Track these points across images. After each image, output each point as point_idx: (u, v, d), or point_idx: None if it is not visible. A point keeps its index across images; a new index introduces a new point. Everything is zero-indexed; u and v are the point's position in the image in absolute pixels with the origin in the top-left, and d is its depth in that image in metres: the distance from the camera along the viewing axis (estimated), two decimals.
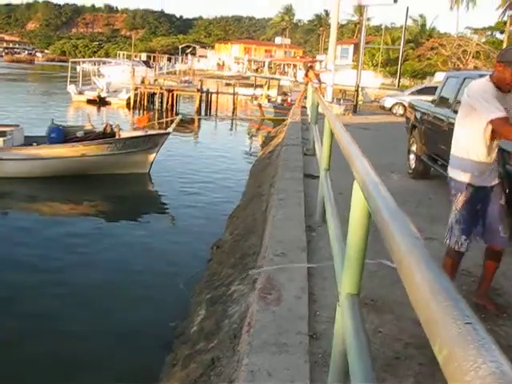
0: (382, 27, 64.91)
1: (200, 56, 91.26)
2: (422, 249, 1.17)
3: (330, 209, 4.27)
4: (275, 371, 2.78)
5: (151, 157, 14.73)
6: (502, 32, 56.89)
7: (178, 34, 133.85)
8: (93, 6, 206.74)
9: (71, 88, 35.90)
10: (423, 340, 3.05)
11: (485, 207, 3.96)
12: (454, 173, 3.93)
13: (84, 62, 43.93)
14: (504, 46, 44.21)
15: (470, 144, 3.82)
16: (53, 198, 12.79)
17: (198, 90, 34.17)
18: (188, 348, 4.47)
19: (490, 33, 63.90)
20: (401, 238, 1.30)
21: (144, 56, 73.90)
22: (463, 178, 3.86)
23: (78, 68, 38.98)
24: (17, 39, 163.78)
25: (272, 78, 38.39)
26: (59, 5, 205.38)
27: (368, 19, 34.82)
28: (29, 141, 14.62)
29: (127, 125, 23.01)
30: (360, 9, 49.85)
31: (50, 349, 5.97)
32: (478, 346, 0.77)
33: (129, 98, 34.61)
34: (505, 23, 53.84)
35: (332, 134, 5.24)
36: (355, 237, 2.26)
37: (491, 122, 3.61)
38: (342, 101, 24.70)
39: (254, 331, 3.24)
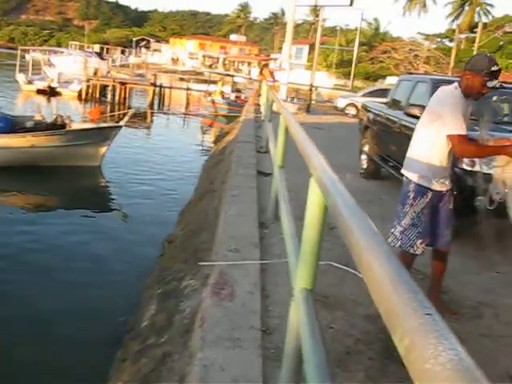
0: (337, 29, 65.75)
1: (154, 50, 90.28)
2: (382, 243, 1.21)
3: (283, 206, 4.31)
4: (228, 366, 2.79)
5: (102, 150, 14.49)
6: (451, 40, 58.55)
7: (133, 27, 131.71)
8: None
9: (20, 77, 34.91)
10: (372, 336, 3.15)
11: (437, 211, 4.06)
12: (415, 176, 3.98)
13: (34, 50, 42.77)
14: (453, 53, 45.49)
15: (435, 150, 3.89)
16: (0, 189, 12.44)
17: (152, 84, 33.83)
18: (139, 343, 4.44)
19: (439, 39, 65.69)
20: (360, 233, 1.33)
21: (97, 47, 72.49)
22: (425, 182, 3.94)
23: (28, 56, 37.90)
24: None
25: (226, 75, 38.35)
26: None
27: (323, 20, 35.23)
28: None
29: (78, 117, 22.56)
30: (315, 9, 50.31)
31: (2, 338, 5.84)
32: (437, 336, 0.80)
33: (80, 90, 33.92)
34: (453, 31, 55.40)
35: (287, 132, 5.29)
36: (311, 232, 2.29)
37: (451, 136, 3.73)
38: (295, 100, 24.89)
39: (207, 326, 3.25)
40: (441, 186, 3.99)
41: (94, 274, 7.91)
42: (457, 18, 67.37)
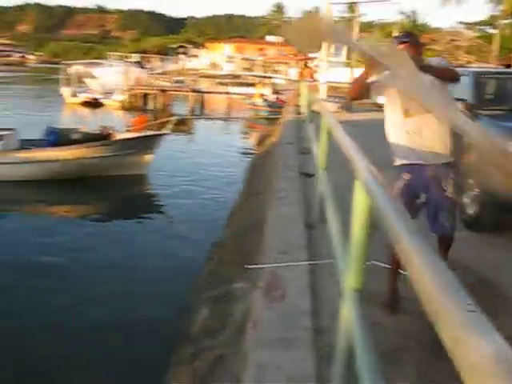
0: (375, 23, 65.09)
1: (192, 56, 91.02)
2: (427, 246, 1.28)
3: (329, 207, 4.37)
4: (282, 366, 2.88)
5: (148, 158, 14.79)
6: (494, 27, 57.06)
7: (170, 34, 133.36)
8: (84, 7, 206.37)
9: (64, 90, 35.83)
10: (420, 332, 3.16)
11: (428, 193, 3.85)
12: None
13: (76, 63, 43.67)
14: (496, 40, 44.43)
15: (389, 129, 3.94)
16: (50, 201, 12.84)
17: (192, 90, 34.25)
18: (192, 347, 4.56)
19: (481, 27, 64.12)
20: (406, 236, 1.40)
21: (136, 57, 73.57)
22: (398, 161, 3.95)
23: (70, 70, 38.77)
24: (8, 42, 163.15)
25: (265, 77, 38.43)
26: (50, 6, 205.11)
27: (360, 15, 34.96)
28: (25, 144, 14.63)
29: (122, 126, 23.02)
30: (352, 5, 49.96)
31: (53, 346, 6.07)
32: (480, 331, 0.88)
33: (123, 100, 34.55)
34: (496, 18, 54.01)
35: (328, 133, 5.34)
36: (358, 234, 2.35)
37: None
38: (335, 98, 24.78)
39: (259, 328, 3.34)
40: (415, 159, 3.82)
41: (146, 281, 8.10)
42: (499, 2, 65.59)
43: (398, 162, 3.92)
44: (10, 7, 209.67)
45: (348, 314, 2.30)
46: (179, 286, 7.60)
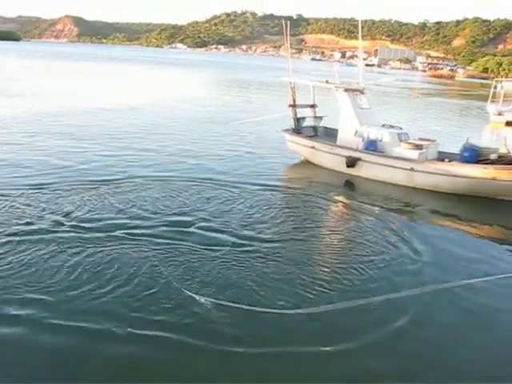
0: None
1: None
2: None
3: None
4: None
5: None
6: None
7: None
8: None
9: (491, 108, 35.00)
10: None
11: None
12: None
13: (509, 80, 42.02)
14: None
15: None
16: (457, 216, 12.90)
17: None
18: None
19: None
20: None
21: None
22: None
23: (499, 87, 37.51)
24: (441, 55, 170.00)
25: None
26: (489, 20, 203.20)
27: None
28: (441, 156, 15.19)
29: None
30: None
31: None
32: None
33: None
34: None
35: None
36: None
37: None
38: None
39: None
40: None
41: None
42: None
43: None
44: (448, 22, 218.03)
45: None
46: None
